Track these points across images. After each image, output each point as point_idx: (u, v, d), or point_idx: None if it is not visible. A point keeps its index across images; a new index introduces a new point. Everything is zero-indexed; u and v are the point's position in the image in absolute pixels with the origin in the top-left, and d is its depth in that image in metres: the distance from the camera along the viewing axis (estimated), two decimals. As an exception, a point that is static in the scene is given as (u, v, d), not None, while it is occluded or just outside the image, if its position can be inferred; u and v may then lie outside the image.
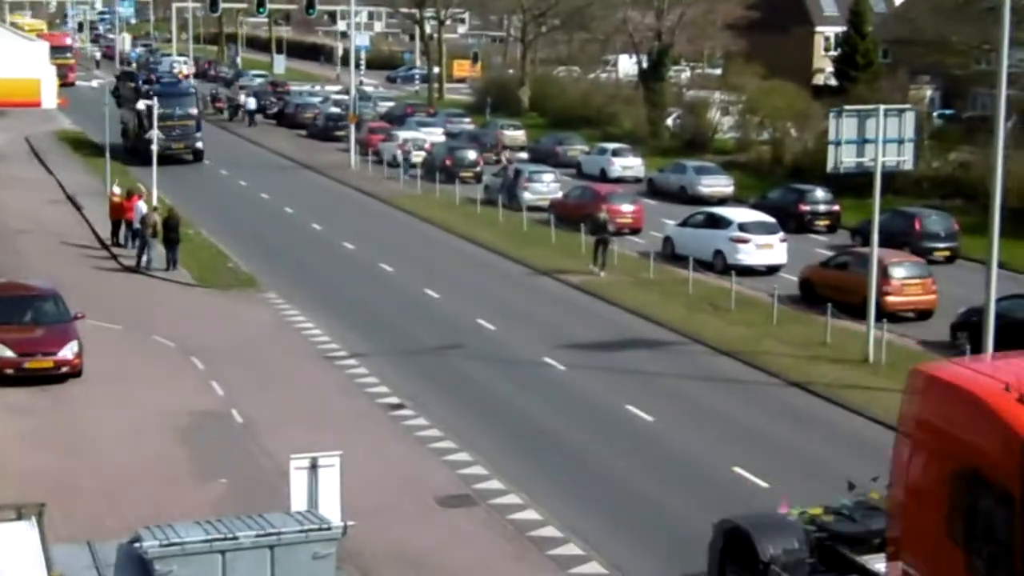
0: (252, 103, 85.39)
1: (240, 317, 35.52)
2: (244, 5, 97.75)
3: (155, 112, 52.31)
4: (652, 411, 27.44)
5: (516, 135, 74.66)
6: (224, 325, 34.55)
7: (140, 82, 66.45)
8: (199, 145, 64.95)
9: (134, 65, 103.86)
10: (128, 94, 66.36)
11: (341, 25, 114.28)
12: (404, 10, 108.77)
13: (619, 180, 60.61)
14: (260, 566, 15.07)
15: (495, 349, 32.51)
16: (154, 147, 47.94)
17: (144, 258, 40.50)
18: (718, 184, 56.85)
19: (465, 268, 42.83)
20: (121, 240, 43.54)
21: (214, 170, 63.86)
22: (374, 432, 25.95)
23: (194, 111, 65.27)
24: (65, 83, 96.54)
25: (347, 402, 28.05)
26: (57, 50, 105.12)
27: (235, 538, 14.97)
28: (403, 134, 68.61)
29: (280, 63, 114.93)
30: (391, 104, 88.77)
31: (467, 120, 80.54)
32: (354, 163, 65.67)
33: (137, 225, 41.59)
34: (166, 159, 56.73)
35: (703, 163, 60.70)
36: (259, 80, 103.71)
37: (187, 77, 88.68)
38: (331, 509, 16.90)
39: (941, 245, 44.23)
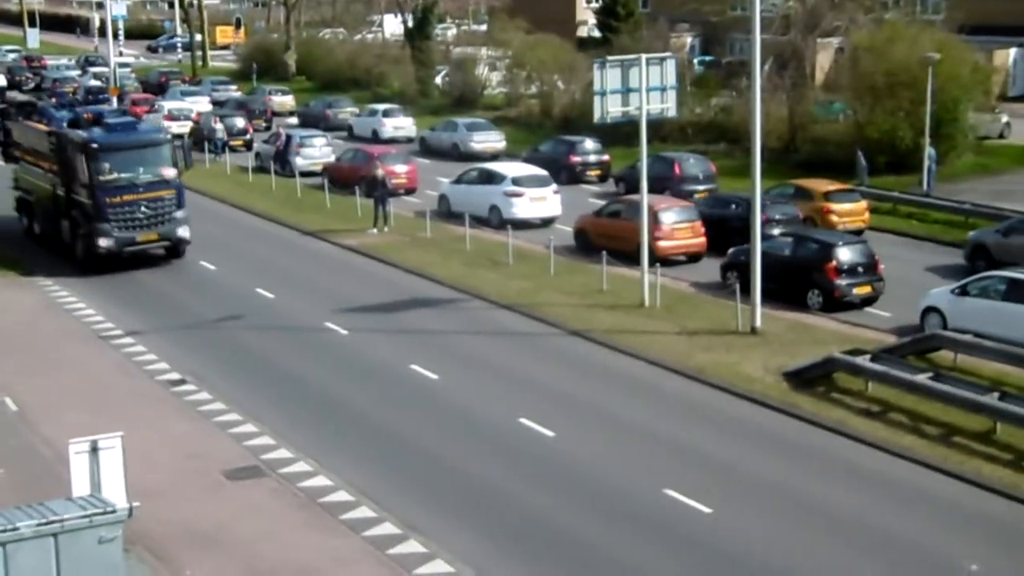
0: (1, 80, 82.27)
1: (6, 302, 34.28)
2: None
3: (95, 175, 35.92)
4: (436, 369, 27.59)
5: (285, 100, 73.82)
6: (-9, 311, 33.33)
7: (62, 124, 39.44)
8: (182, 232, 37.55)
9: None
10: (35, 143, 40.10)
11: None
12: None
13: (391, 141, 60.57)
14: (44, 555, 14.77)
15: (275, 318, 32.18)
16: None
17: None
18: (490, 140, 57.30)
19: (241, 238, 42.19)
20: None
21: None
22: (156, 410, 25.43)
23: (170, 172, 37.28)
24: None
25: (126, 382, 27.41)
26: None
27: (15, 529, 14.64)
28: (168, 105, 67.00)
29: (34, 37, 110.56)
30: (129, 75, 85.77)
31: (233, 87, 79.23)
32: (118, 136, 63.77)
33: None
34: (126, 262, 37.27)
35: (474, 120, 61.09)
36: (12, 55, 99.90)
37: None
38: (115, 492, 16.61)
39: (700, 187, 45.46)
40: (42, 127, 40.11)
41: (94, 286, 35.48)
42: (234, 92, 77.02)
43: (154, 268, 37.67)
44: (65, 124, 38.99)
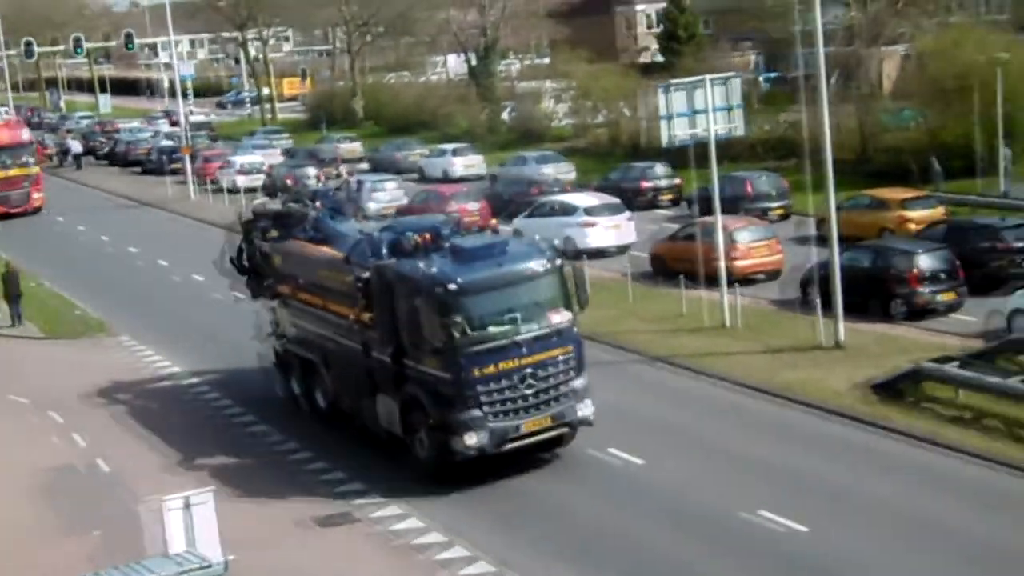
0: (76, 146, 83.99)
1: (95, 365, 34.74)
2: (61, 48, 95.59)
3: (454, 334, 22.45)
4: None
5: (352, 147, 74.48)
6: (79, 375, 33.72)
7: (361, 250, 25.49)
8: (583, 412, 23.92)
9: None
10: (318, 276, 27.02)
11: (164, 57, 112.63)
12: (226, 35, 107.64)
13: (462, 179, 60.74)
14: (143, 614, 14.84)
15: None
16: None
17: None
18: (560, 172, 57.28)
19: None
20: (-38, 302, 42.23)
21: (49, 218, 62.31)
22: (246, 463, 25.59)
23: (562, 317, 23.65)
24: (26, 210, 60.63)
25: (215, 437, 27.60)
26: (8, 151, 60.15)
27: (114, 589, 14.73)
28: (240, 159, 67.81)
29: (105, 102, 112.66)
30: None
31: (285, 136, 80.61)
32: (193, 194, 64.76)
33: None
34: None
35: (543, 153, 61.17)
36: (86, 121, 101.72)
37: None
38: (210, 546, 16.68)
39: (774, 205, 45.33)
40: (330, 253, 26.73)
41: (177, 343, 35.72)
42: (286, 141, 78.39)
43: (235, 320, 37.82)
44: (385, 250, 24.66)
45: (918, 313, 31.39)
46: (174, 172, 71.75)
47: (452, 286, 22.70)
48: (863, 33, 57.16)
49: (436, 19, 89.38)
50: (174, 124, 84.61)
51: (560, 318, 23.42)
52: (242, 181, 63.90)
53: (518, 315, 23.00)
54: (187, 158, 66.79)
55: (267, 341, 29.79)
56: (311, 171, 61.78)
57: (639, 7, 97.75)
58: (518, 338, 22.86)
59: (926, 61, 52.70)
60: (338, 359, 26.34)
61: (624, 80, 69.01)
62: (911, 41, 57.91)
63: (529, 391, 23.01)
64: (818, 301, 30.23)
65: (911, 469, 22.48)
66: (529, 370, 22.98)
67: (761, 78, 72.63)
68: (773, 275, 36.87)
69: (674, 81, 32.66)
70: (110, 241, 54.24)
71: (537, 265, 23.73)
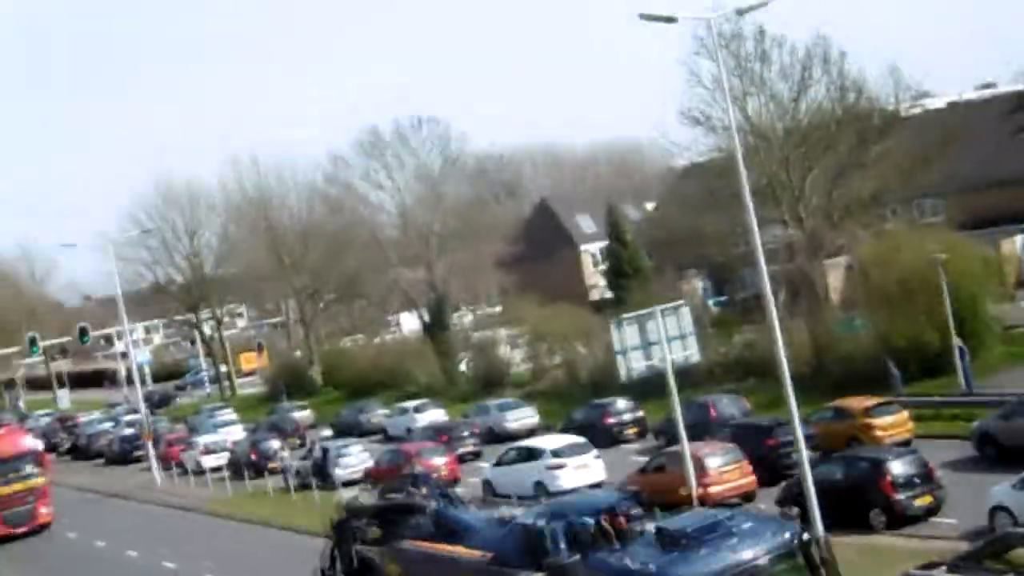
0: (39, 444, 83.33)
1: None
2: (16, 348, 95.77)
3: None
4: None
5: (304, 415, 74.77)
6: None
7: (509, 538, 21.59)
8: None
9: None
10: None
11: (119, 346, 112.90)
12: (179, 318, 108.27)
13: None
14: None
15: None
16: None
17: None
18: (523, 416, 57.42)
19: (293, 561, 41.61)
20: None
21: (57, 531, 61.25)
22: None
23: None
24: (32, 527, 52.50)
25: None
26: (7, 464, 52.70)
27: None
28: (203, 440, 67.51)
29: (64, 397, 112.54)
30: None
31: (228, 410, 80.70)
32: (159, 479, 64.10)
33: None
34: None
35: (504, 400, 61.25)
36: (46, 419, 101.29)
37: None
38: None
39: None
40: (465, 553, 22.31)
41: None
42: (231, 415, 79.07)
43: None
44: (561, 543, 20.02)
45: (898, 520, 31.11)
46: (137, 460, 71.24)
47: None
48: (803, 249, 58.21)
49: (385, 280, 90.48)
50: (133, 410, 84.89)
51: None
52: (207, 461, 63.55)
53: None
54: (149, 444, 66.37)
55: None
56: (275, 443, 61.58)
57: (583, 247, 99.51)
58: None
59: (868, 269, 53.55)
60: None
61: (576, 318, 69.68)
62: (851, 252, 58.96)
63: None
64: (798, 519, 29.89)
65: None
66: None
67: (710, 302, 73.58)
68: (747, 497, 36.58)
69: (626, 315, 32.98)
70: (77, 538, 53.23)
71: (780, 545, 18.88)
